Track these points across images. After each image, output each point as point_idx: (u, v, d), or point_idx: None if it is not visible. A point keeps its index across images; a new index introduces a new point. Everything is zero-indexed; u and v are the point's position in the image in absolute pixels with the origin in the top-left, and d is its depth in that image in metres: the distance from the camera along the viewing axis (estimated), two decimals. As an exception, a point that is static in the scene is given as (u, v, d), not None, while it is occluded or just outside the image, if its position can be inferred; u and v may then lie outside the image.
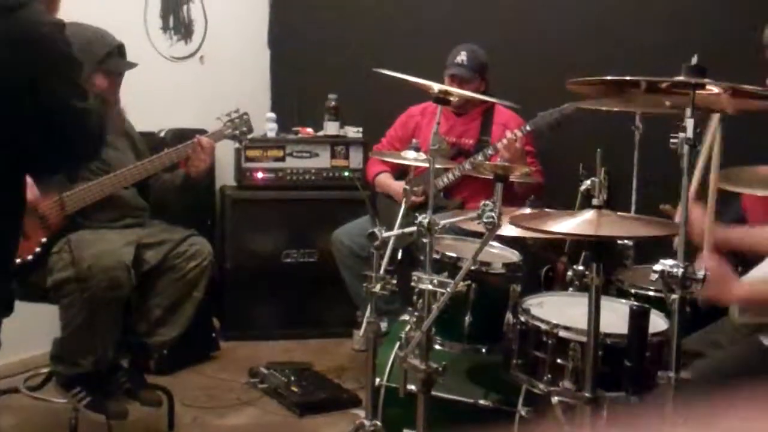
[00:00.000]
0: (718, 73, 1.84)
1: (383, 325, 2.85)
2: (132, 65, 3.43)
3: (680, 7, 4.33)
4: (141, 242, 3.27)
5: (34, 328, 3.80)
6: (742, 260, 3.12)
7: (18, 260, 3.11)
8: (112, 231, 3.28)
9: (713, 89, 1.83)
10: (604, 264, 2.23)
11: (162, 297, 3.31)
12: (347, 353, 4.54)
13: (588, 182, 2.45)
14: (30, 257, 3.14)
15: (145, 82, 3.77)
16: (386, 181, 4.40)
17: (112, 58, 3.35)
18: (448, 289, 2.42)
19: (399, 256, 3.39)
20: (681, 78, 1.81)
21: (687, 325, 1.97)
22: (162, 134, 4.45)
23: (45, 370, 3.44)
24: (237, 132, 3.62)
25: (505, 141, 3.90)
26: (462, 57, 4.14)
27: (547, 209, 2.91)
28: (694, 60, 1.82)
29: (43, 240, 3.16)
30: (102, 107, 2.27)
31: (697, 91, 1.83)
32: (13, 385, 3.54)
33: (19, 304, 3.30)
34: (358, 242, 4.13)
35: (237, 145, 4.27)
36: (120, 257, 3.09)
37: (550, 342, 2.45)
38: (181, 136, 3.98)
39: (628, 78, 1.91)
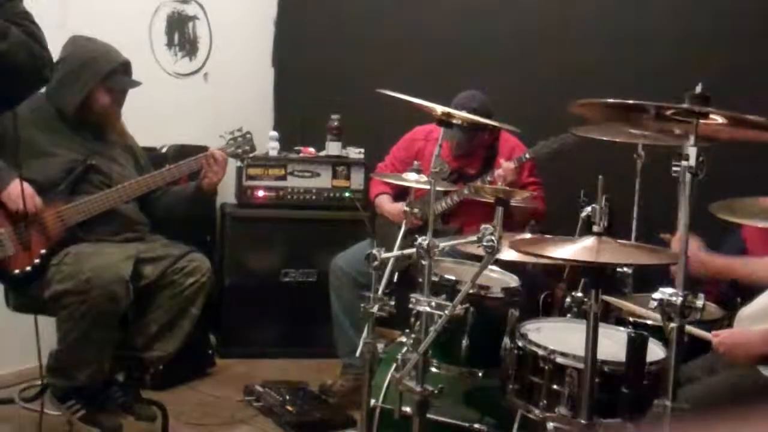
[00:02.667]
0: (722, 102, 1.84)
1: (380, 347, 2.85)
2: (136, 83, 3.45)
3: (684, 35, 4.34)
4: (140, 257, 3.27)
5: (30, 340, 3.80)
6: (741, 292, 3.13)
7: (17, 271, 3.13)
8: (112, 245, 3.28)
9: (717, 118, 1.84)
10: (602, 291, 2.24)
11: (159, 312, 3.31)
12: (343, 374, 4.53)
13: (589, 209, 2.46)
14: (29, 268, 3.14)
15: (148, 97, 3.78)
16: (383, 203, 4.38)
17: (117, 75, 3.37)
18: (446, 312, 2.42)
19: (395, 278, 3.39)
20: (685, 105, 1.82)
21: (684, 353, 1.97)
22: (164, 150, 4.46)
23: (40, 381, 3.43)
24: (239, 150, 3.64)
25: (500, 171, 3.89)
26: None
27: (546, 235, 2.91)
28: (699, 88, 1.82)
29: (43, 251, 3.16)
30: (28, 38, 2.22)
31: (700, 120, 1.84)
32: (9, 396, 3.54)
33: (16, 315, 3.32)
34: (358, 269, 4.08)
35: (239, 163, 4.28)
36: (118, 271, 3.09)
37: (546, 368, 2.45)
38: (183, 152, 3.99)
39: (630, 102, 1.92)
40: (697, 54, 4.23)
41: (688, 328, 2.47)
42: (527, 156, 3.93)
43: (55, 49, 3.38)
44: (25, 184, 3.14)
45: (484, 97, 4.11)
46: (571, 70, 4.57)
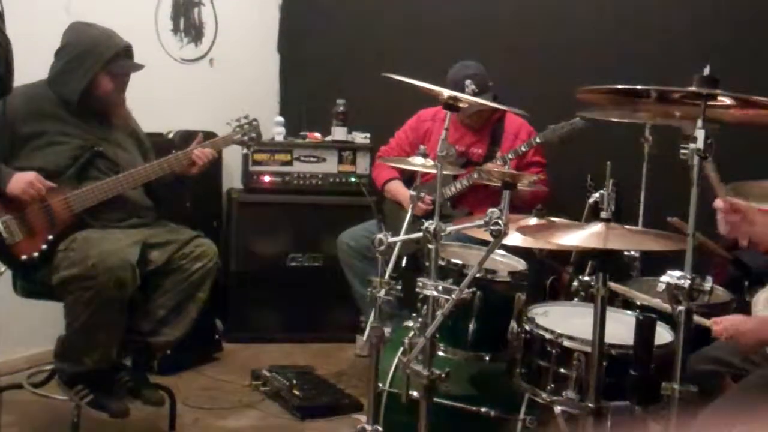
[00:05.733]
0: (730, 84, 1.84)
1: (387, 330, 2.85)
2: (139, 67, 3.43)
3: (693, 17, 4.33)
4: (147, 242, 3.27)
5: (38, 325, 3.82)
6: (749, 276, 3.12)
7: (25, 257, 3.13)
8: (119, 230, 3.28)
9: (725, 100, 1.83)
10: (610, 275, 2.23)
11: (166, 297, 3.31)
12: (350, 358, 4.54)
13: (596, 195, 2.45)
14: (36, 254, 3.14)
15: (154, 83, 3.78)
16: (398, 188, 4.39)
17: (119, 60, 3.35)
18: (453, 296, 2.41)
19: (404, 262, 3.39)
20: (693, 88, 1.81)
21: (692, 338, 1.96)
22: (170, 135, 4.46)
23: (49, 366, 3.44)
24: (246, 138, 3.64)
25: (490, 165, 3.93)
26: (471, 87, 4.08)
27: (553, 218, 2.91)
28: (707, 71, 1.81)
29: (50, 237, 3.16)
30: None
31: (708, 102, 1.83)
32: (17, 381, 3.55)
33: (24, 301, 3.33)
34: (364, 243, 4.12)
35: (245, 150, 4.28)
36: (125, 256, 3.09)
37: (554, 351, 2.45)
38: (189, 137, 3.98)
39: (638, 87, 1.91)
40: (700, 35, 4.22)
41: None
42: (537, 141, 3.95)
43: (60, 35, 3.38)
44: (32, 172, 3.15)
45: (475, 65, 4.18)
46: (573, 51, 4.57)
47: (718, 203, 2.32)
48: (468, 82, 4.07)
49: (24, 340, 4.05)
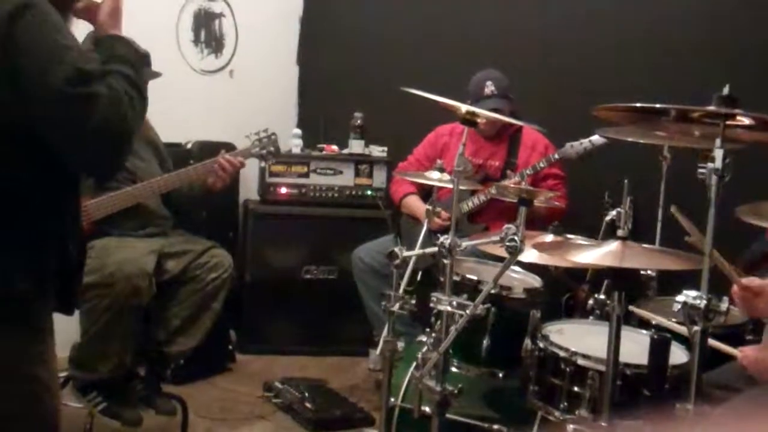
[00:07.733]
0: (750, 104, 1.83)
1: (400, 346, 2.84)
2: (156, 74, 3.44)
3: (714, 35, 4.31)
4: (163, 251, 3.28)
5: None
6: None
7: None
8: (136, 239, 3.29)
9: (744, 120, 1.82)
10: (626, 294, 2.22)
11: (181, 307, 3.32)
12: (363, 372, 4.53)
13: (614, 212, 2.44)
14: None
15: (174, 93, 3.78)
16: (415, 203, 4.39)
17: None
18: (467, 312, 2.40)
19: (419, 277, 3.38)
20: (712, 107, 1.80)
21: (707, 358, 1.95)
22: (189, 146, 4.47)
23: (63, 373, 3.44)
24: (264, 151, 3.65)
25: (505, 182, 3.92)
26: (491, 88, 4.12)
27: (569, 235, 2.90)
28: (726, 90, 1.80)
29: (67, 245, 3.18)
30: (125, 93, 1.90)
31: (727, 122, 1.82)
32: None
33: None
34: (379, 260, 4.12)
35: (262, 163, 4.29)
36: (142, 265, 3.10)
37: (568, 369, 2.44)
38: (208, 148, 4.00)
39: (657, 105, 1.90)
40: (721, 53, 4.20)
41: (715, 343, 2.45)
42: (555, 157, 3.94)
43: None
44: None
45: (495, 72, 4.23)
46: (592, 67, 4.55)
47: (734, 289, 2.35)
48: (488, 83, 4.12)
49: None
